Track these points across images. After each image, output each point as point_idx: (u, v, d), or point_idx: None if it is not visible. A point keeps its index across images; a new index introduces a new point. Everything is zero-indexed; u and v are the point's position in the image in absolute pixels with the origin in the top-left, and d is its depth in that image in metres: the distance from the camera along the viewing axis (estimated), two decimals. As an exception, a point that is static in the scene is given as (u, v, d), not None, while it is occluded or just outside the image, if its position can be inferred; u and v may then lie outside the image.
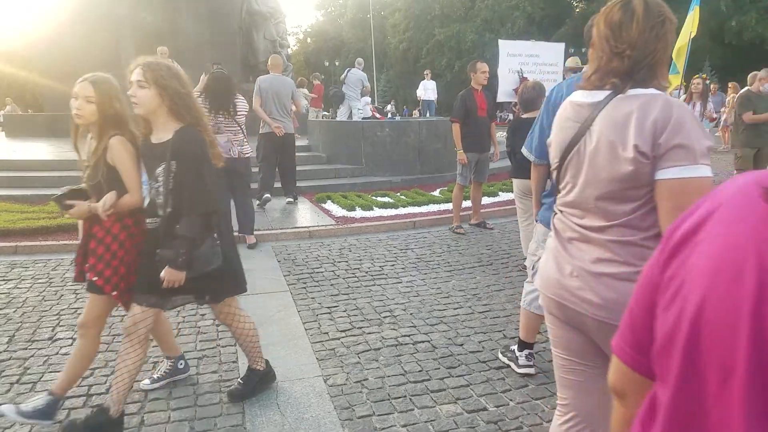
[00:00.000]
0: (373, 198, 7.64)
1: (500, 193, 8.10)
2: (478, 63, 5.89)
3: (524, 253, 4.14)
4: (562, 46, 6.44)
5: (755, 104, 6.32)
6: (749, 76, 9.62)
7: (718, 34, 36.16)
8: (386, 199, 7.66)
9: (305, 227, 6.11)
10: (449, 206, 7.21)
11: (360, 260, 5.08)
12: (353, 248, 5.50)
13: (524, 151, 2.81)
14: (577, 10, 40.83)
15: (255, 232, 5.54)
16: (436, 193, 8.24)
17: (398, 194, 8.04)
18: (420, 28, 42.83)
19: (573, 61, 6.68)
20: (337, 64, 46.51)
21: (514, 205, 6.24)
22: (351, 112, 11.89)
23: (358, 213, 6.80)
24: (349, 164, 9.10)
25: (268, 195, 6.78)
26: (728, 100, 14.15)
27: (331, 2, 58.66)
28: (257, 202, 6.55)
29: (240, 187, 5.23)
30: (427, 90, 16.98)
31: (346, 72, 11.77)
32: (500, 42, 6.22)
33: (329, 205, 7.25)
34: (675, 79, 6.91)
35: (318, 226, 6.15)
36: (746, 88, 6.76)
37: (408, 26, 43.93)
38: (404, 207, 7.19)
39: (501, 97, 6.20)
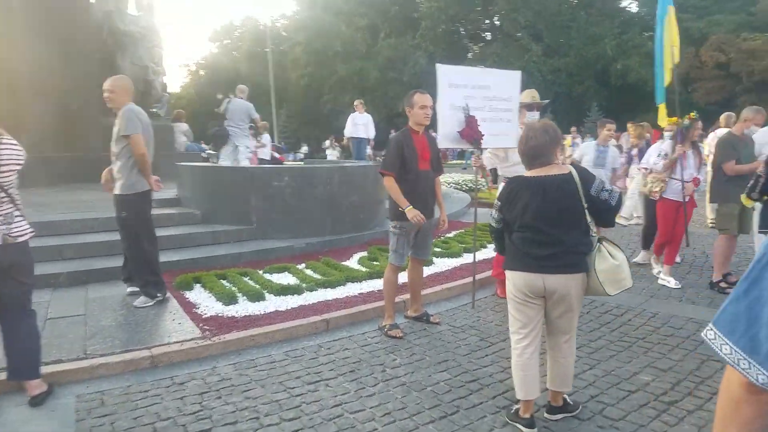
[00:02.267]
0: (267, 278, 5.53)
1: (434, 259, 6.33)
2: (416, 94, 4.14)
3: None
4: (517, 75, 4.87)
5: (739, 151, 5.12)
6: (723, 116, 8.84)
7: (603, 76, 38.27)
8: (286, 278, 5.59)
9: (144, 349, 3.74)
10: (375, 284, 5.32)
11: (235, 421, 2.97)
12: (226, 389, 3.36)
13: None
14: (470, 54, 41.75)
15: (45, 369, 3.26)
16: (354, 261, 6.31)
17: (302, 267, 6.00)
18: (321, 64, 41.69)
19: (529, 96, 5.15)
20: (231, 96, 43.79)
21: (462, 281, 5.47)
22: (238, 153, 9.73)
23: (242, 307, 4.67)
24: (233, 225, 6.89)
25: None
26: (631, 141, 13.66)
27: (226, 35, 56.26)
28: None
29: (11, 296, 2.98)
30: (357, 125, 12.97)
31: (225, 102, 9.62)
32: (439, 67, 4.51)
33: (197, 294, 5.03)
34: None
35: (167, 344, 3.86)
36: (727, 131, 5.61)
37: (309, 61, 42.59)
38: (312, 291, 5.17)
39: (442, 143, 4.44)
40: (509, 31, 37.90)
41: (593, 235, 2.83)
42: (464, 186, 13.70)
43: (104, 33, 11.83)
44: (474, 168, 4.99)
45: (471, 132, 4.54)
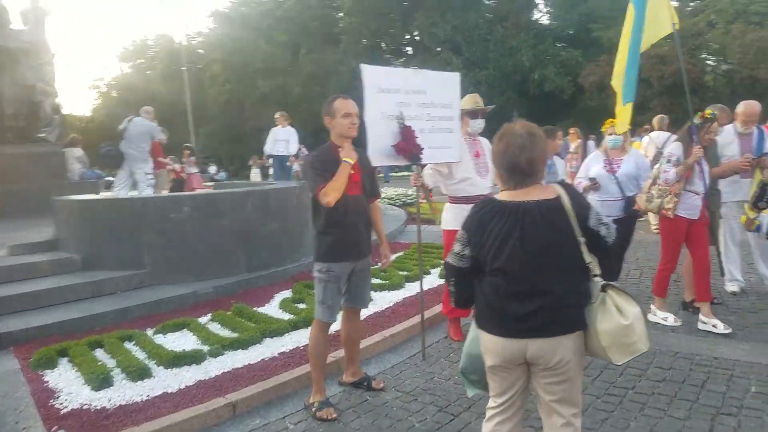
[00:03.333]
0: (157, 341, 4.34)
1: (372, 293, 5.35)
2: (337, 100, 3.21)
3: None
4: (456, 78, 4.06)
5: (708, 155, 4.57)
6: (656, 119, 8.36)
7: (522, 86, 39.29)
8: (184, 339, 4.45)
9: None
10: (300, 336, 4.31)
11: None
12: None
13: None
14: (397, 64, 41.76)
15: None
16: (275, 306, 5.26)
17: (207, 320, 4.87)
18: (241, 80, 40.26)
19: (472, 101, 4.33)
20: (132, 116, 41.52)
21: (408, 322, 4.74)
22: (135, 179, 8.41)
23: (119, 391, 3.48)
24: (121, 270, 5.60)
25: None
26: (575, 146, 13.60)
27: (138, 54, 53.38)
28: None
29: None
30: (278, 142, 10.99)
31: (126, 122, 8.32)
32: (364, 68, 3.59)
33: (60, 376, 3.78)
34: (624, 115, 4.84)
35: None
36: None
37: (228, 78, 41.02)
38: (217, 356, 4.06)
39: (375, 159, 3.50)
40: (429, 45, 38.08)
41: (596, 280, 2.01)
42: (398, 201, 12.85)
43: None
44: (416, 188, 4.12)
45: (408, 145, 3.65)
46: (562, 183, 2.12)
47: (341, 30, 37.57)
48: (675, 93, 33.42)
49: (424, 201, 4.11)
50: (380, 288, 5.64)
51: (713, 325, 4.14)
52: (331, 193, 3.01)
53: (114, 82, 53.39)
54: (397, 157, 3.68)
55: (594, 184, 4.61)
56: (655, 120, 8.35)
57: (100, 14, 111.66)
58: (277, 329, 4.48)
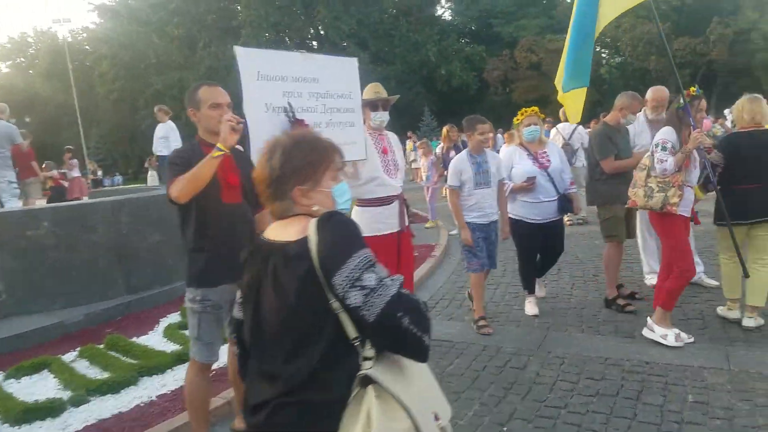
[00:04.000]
0: (6, 389, 3.50)
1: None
2: (202, 88, 2.61)
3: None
4: (354, 63, 3.54)
5: (617, 144, 4.38)
6: (563, 110, 8.42)
7: (430, 82, 39.79)
8: (43, 383, 3.63)
9: None
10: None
11: None
12: None
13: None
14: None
15: None
16: (159, 334, 4.51)
17: (74, 357, 4.03)
18: (133, 77, 37.62)
19: (372, 91, 3.81)
20: (27, 120, 38.08)
21: None
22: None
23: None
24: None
25: None
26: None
27: (18, 52, 48.50)
28: None
29: None
30: (159, 139, 9.35)
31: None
32: (239, 50, 2.94)
33: None
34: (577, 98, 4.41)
35: None
36: (601, 122, 4.86)
37: (118, 75, 38.14)
38: (80, 404, 3.29)
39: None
40: (335, 40, 37.45)
41: (364, 365, 1.33)
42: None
43: None
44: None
45: (301, 142, 3.08)
46: (326, 216, 1.39)
47: (240, 23, 35.94)
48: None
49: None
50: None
51: (663, 336, 3.65)
52: (184, 185, 2.36)
53: (-10, 81, 48.12)
54: (289, 157, 3.09)
55: (531, 184, 4.21)
56: (562, 111, 8.34)
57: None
58: (157, 365, 3.76)
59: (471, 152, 4.21)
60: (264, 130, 2.99)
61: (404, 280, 3.78)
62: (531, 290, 4.57)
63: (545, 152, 4.33)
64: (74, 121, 32.06)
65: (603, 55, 37.78)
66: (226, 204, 2.58)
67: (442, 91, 39.44)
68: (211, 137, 2.58)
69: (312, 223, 1.36)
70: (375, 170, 3.67)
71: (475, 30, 44.47)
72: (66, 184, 12.73)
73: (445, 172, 7.94)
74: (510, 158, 4.45)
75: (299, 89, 3.18)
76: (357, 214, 3.76)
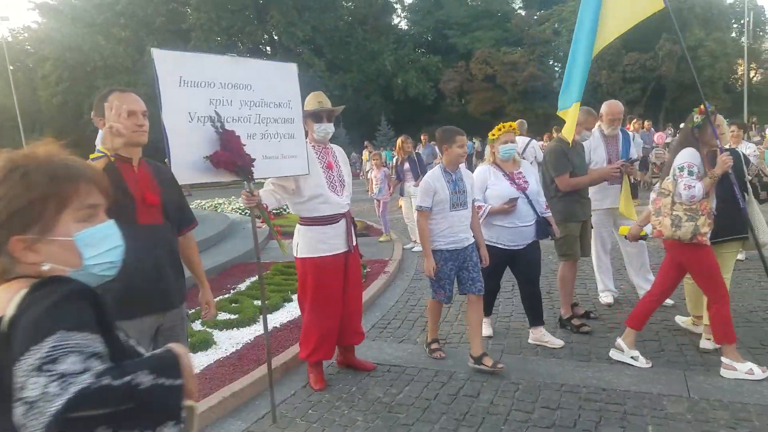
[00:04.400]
0: None
1: (214, 334, 4.31)
2: (113, 94, 2.23)
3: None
4: (293, 69, 3.25)
5: (572, 160, 4.24)
6: (518, 123, 8.26)
7: (387, 91, 39.75)
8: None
9: None
10: None
11: None
12: None
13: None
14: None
15: None
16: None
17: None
18: (78, 80, 36.04)
19: (315, 100, 3.51)
20: None
21: (256, 373, 3.87)
22: None
23: None
24: None
25: None
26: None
27: (-50, 50, 45.78)
28: None
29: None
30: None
31: None
32: (156, 53, 2.61)
33: None
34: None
35: None
36: (556, 137, 4.71)
37: (62, 78, 36.48)
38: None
39: (181, 175, 2.53)
40: (289, 46, 36.94)
41: None
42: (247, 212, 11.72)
43: None
44: (248, 209, 3.19)
45: (231, 155, 2.75)
46: (39, 284, 1.02)
47: (190, 26, 34.95)
48: (528, 98, 35.95)
49: (263, 225, 3.22)
50: (226, 325, 4.62)
51: (633, 357, 3.54)
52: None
53: None
54: (217, 171, 2.76)
55: (512, 206, 3.82)
56: (515, 124, 8.25)
57: None
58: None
59: (446, 168, 3.66)
60: (186, 143, 2.69)
61: (352, 303, 3.48)
62: (487, 312, 4.33)
63: (521, 172, 4.00)
64: (15, 125, 30.39)
65: (557, 69, 38.74)
66: (143, 225, 2.22)
67: (399, 101, 39.47)
68: (125, 150, 2.24)
69: (18, 295, 0.98)
70: (318, 186, 3.39)
71: (431, 40, 44.81)
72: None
73: (400, 184, 7.75)
74: (483, 178, 3.99)
75: (229, 97, 2.87)
76: (300, 234, 3.47)
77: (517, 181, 3.94)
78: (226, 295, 5.50)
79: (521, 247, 3.94)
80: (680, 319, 4.12)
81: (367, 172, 17.14)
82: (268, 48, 41.28)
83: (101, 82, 34.46)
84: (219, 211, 12.78)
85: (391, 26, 44.65)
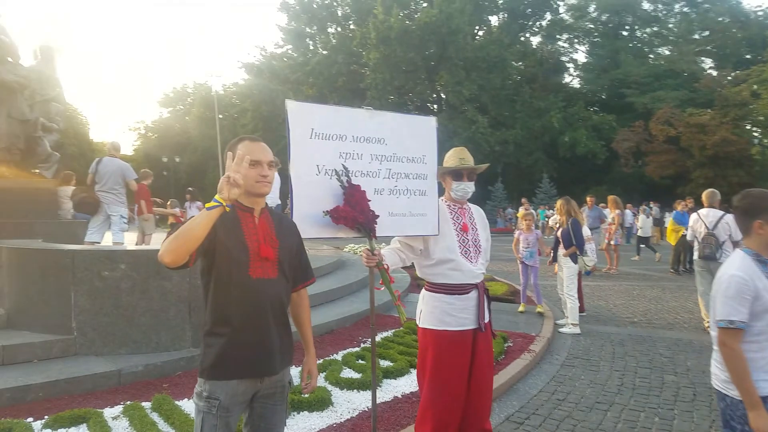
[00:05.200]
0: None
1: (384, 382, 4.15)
2: (243, 143, 2.18)
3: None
4: (432, 123, 3.06)
5: None
6: (706, 193, 6.87)
7: (552, 148, 38.41)
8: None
9: None
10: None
11: None
12: None
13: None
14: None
15: None
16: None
17: (117, 413, 3.80)
18: (270, 130, 40.99)
19: (456, 157, 3.24)
20: (177, 160, 42.97)
21: None
22: (112, 224, 7.76)
23: None
24: (44, 333, 4.71)
25: None
26: (613, 216, 12.78)
27: (178, 100, 55.66)
28: None
29: None
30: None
31: (94, 164, 7.65)
32: (290, 104, 2.62)
33: None
34: None
35: None
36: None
37: (257, 127, 41.83)
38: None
39: (303, 230, 2.43)
40: (454, 104, 37.87)
41: None
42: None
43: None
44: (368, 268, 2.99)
45: (352, 212, 2.62)
46: None
47: (367, 85, 37.82)
48: (719, 164, 31.78)
49: (382, 287, 2.98)
50: (347, 385, 4.39)
51: None
52: (169, 243, 1.88)
53: (152, 125, 55.34)
54: (336, 228, 2.64)
55: None
56: (705, 195, 7.08)
57: (143, 62, 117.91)
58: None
59: (760, 255, 2.29)
60: (309, 195, 2.61)
61: (479, 392, 2.93)
62: None
63: None
64: (216, 165, 35.20)
65: (755, 134, 34.00)
66: (255, 279, 2.12)
67: (564, 158, 37.85)
68: (248, 199, 2.20)
69: None
70: (449, 251, 3.05)
71: (605, 99, 42.63)
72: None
73: (559, 252, 6.97)
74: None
75: (359, 150, 2.78)
76: (424, 301, 3.13)
77: None
78: (355, 349, 5.35)
79: None
80: None
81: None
82: (435, 106, 42.84)
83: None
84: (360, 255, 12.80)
85: (562, 84, 43.54)
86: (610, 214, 13.35)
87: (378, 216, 2.73)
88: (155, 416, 3.77)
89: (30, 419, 3.62)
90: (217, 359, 2.09)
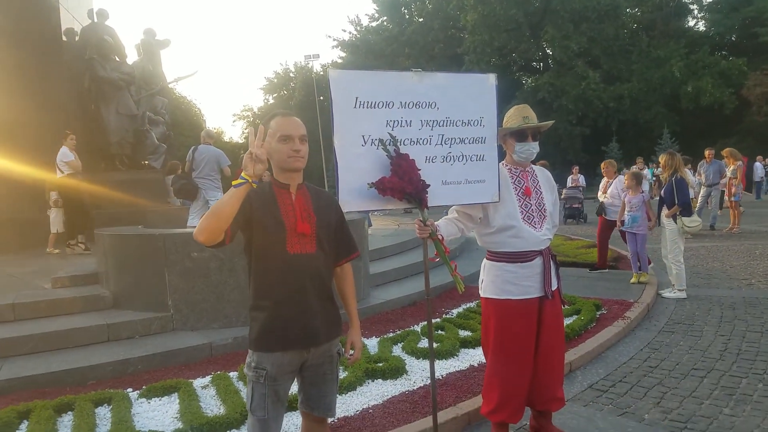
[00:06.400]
0: (140, 407, 3.67)
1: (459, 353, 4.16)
2: (275, 119, 2.17)
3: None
4: (490, 80, 2.85)
5: None
6: None
7: (673, 100, 35.00)
8: (166, 408, 3.70)
9: None
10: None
11: None
12: None
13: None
14: (519, 89, 39.36)
15: None
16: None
17: (206, 383, 4.08)
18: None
19: (519, 115, 2.99)
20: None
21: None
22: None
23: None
24: (145, 312, 5.13)
25: None
26: (733, 170, 11.49)
27: (281, 86, 57.90)
28: None
29: None
30: None
31: (191, 152, 8.11)
32: (333, 73, 2.55)
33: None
34: None
35: None
36: None
37: (354, 105, 42.60)
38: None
39: (346, 203, 2.40)
40: (562, 60, 35.53)
41: None
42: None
43: (86, 82, 10.85)
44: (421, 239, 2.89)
45: (400, 182, 2.52)
46: None
47: (465, 50, 36.65)
48: None
49: (437, 259, 2.88)
50: (423, 354, 4.39)
51: None
52: (202, 223, 1.95)
53: (259, 112, 58.25)
54: (384, 199, 2.56)
55: None
56: None
57: (244, 46, 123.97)
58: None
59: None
60: (357, 168, 2.54)
61: (548, 361, 2.81)
62: None
63: None
64: (318, 149, 36.10)
65: None
66: (293, 255, 2.14)
67: (688, 111, 34.29)
68: (282, 175, 2.21)
69: None
70: (510, 217, 2.86)
71: (734, 41, 37.74)
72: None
73: (662, 212, 6.38)
74: None
75: (408, 117, 2.65)
76: (486, 270, 3.00)
77: None
78: (435, 320, 5.30)
79: None
80: None
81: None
82: (540, 64, 40.67)
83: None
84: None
85: (684, 29, 39.20)
86: (730, 167, 11.93)
87: (429, 185, 2.61)
88: (240, 385, 4.00)
89: (129, 389, 3.97)
90: (261, 332, 2.16)
